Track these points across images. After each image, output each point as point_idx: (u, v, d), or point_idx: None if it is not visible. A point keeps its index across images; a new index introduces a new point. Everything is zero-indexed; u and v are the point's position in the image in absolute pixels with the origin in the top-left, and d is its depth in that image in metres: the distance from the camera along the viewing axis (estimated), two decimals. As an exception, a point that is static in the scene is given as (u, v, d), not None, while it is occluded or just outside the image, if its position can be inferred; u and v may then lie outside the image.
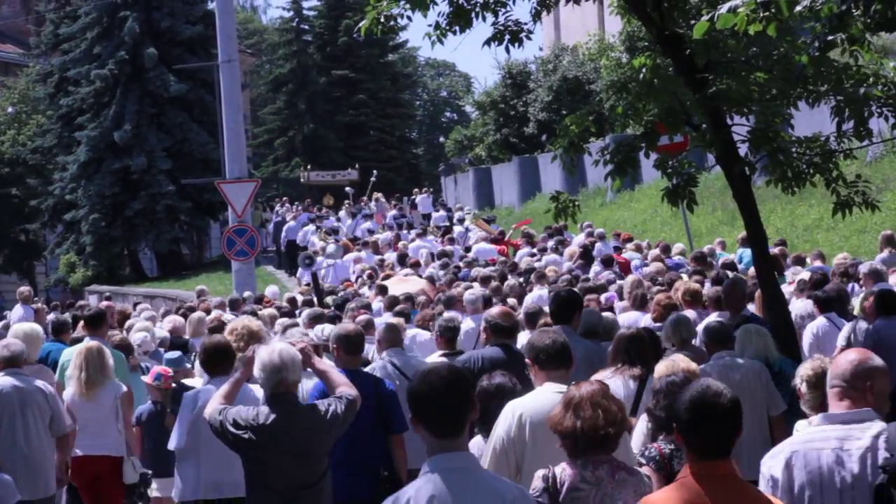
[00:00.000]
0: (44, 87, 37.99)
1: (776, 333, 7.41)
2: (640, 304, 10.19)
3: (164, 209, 33.78)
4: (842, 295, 9.30)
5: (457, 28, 8.02)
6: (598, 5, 31.67)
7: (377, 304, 12.67)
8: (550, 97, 33.51)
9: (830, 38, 6.34)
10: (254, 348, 5.64)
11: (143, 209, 33.80)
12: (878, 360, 4.00)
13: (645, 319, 9.70)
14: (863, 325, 8.35)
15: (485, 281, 13.71)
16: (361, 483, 6.26)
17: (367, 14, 7.87)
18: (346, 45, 46.25)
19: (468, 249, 20.83)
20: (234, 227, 18.43)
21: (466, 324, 10.04)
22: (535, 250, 18.70)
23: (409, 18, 8.03)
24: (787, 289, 10.49)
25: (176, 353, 9.31)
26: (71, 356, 8.31)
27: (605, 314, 8.59)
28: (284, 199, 34.45)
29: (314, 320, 9.52)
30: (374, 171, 35.20)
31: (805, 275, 11.06)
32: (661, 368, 5.69)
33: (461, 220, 26.66)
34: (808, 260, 13.07)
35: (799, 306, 9.83)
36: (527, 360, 5.46)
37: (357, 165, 38.91)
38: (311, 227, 26.55)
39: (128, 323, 11.56)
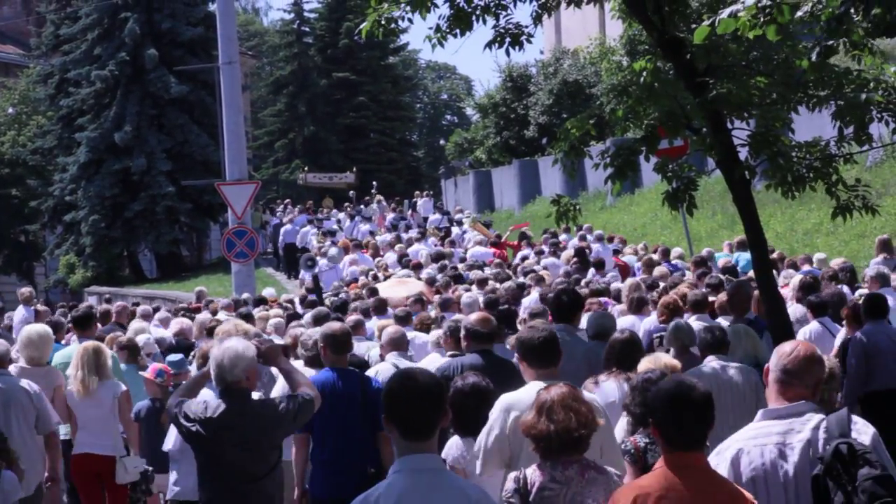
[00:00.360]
0: (44, 88, 38.00)
1: (775, 336, 7.41)
2: (637, 307, 10.18)
3: (164, 210, 33.76)
4: (836, 301, 9.31)
5: (457, 31, 8.02)
6: (599, 9, 31.58)
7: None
8: (551, 100, 33.50)
9: (831, 42, 6.34)
10: (210, 344, 5.66)
11: (142, 210, 33.80)
12: (813, 351, 4.07)
13: (643, 323, 9.71)
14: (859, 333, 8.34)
15: (482, 283, 13.70)
16: (348, 481, 6.30)
17: (368, 16, 7.86)
18: (347, 48, 46.29)
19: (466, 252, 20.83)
20: (234, 228, 18.42)
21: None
22: (531, 252, 18.71)
23: (410, 21, 8.03)
24: (783, 292, 10.47)
25: (178, 356, 9.32)
26: (65, 357, 8.33)
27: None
28: (287, 201, 34.42)
29: (319, 321, 9.52)
30: (374, 183, 35.30)
31: (796, 278, 11.06)
32: (642, 366, 5.77)
33: (459, 223, 26.65)
34: (797, 263, 13.09)
35: (792, 310, 9.83)
36: (515, 358, 5.54)
37: (355, 168, 38.94)
38: (312, 228, 26.52)
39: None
